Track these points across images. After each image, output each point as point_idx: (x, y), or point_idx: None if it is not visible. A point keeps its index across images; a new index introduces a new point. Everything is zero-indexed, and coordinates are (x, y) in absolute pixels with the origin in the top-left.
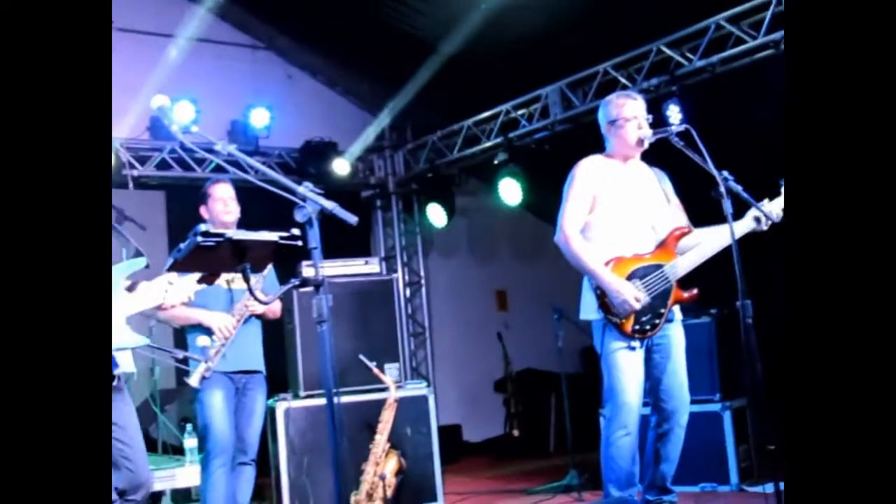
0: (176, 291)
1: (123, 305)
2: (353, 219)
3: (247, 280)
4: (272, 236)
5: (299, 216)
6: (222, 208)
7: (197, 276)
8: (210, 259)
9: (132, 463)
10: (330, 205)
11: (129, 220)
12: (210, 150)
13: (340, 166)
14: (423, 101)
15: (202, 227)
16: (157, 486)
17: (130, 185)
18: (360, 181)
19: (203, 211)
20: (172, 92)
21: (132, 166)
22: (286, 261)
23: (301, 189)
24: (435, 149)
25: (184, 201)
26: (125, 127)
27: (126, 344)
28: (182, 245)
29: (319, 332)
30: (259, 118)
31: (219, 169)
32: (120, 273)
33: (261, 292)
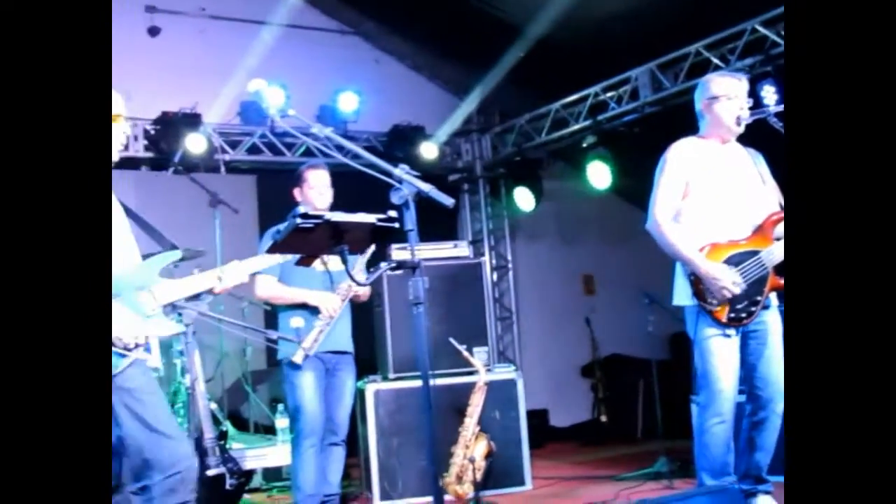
0: (231, 276)
1: (162, 294)
2: (449, 201)
3: (344, 262)
4: (370, 218)
5: (395, 198)
6: (317, 195)
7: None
8: (308, 241)
9: (181, 434)
10: (427, 187)
11: (222, 203)
12: (307, 133)
13: (428, 150)
14: (510, 85)
15: (301, 210)
16: (248, 465)
17: (222, 169)
18: (447, 165)
19: (296, 193)
20: (262, 77)
21: (224, 151)
22: (382, 242)
23: (398, 171)
24: (522, 132)
25: (274, 185)
26: (217, 112)
27: (163, 332)
28: (281, 227)
29: (415, 313)
30: (347, 102)
31: (308, 153)
32: (156, 265)
33: (361, 272)
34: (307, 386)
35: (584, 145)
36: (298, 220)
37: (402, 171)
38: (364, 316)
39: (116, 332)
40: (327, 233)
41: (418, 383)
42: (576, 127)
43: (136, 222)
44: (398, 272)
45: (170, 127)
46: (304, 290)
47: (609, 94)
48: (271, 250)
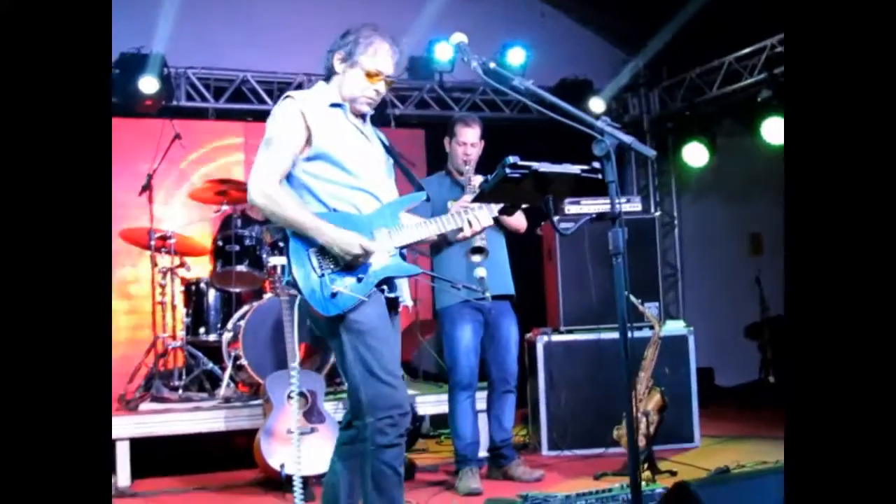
0: (481, 219)
1: (400, 237)
2: (651, 152)
3: (549, 213)
4: (574, 169)
5: (597, 150)
6: (462, 153)
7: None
8: (514, 191)
9: (399, 382)
10: (628, 139)
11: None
12: (512, 88)
13: (595, 105)
14: (679, 37)
15: (510, 160)
16: (419, 411)
17: (392, 123)
18: (614, 119)
19: (446, 143)
20: (432, 34)
21: (394, 105)
22: (586, 193)
23: (599, 123)
24: (692, 86)
25: (442, 139)
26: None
27: (401, 272)
28: (489, 177)
29: (615, 264)
30: (515, 57)
31: (474, 108)
32: (400, 206)
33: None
34: (463, 340)
35: (760, 100)
36: (507, 170)
37: (603, 123)
38: (531, 269)
39: (350, 259)
40: (532, 183)
41: (589, 336)
42: (749, 81)
43: (394, 160)
44: (568, 228)
45: None
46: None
47: None
48: (478, 199)
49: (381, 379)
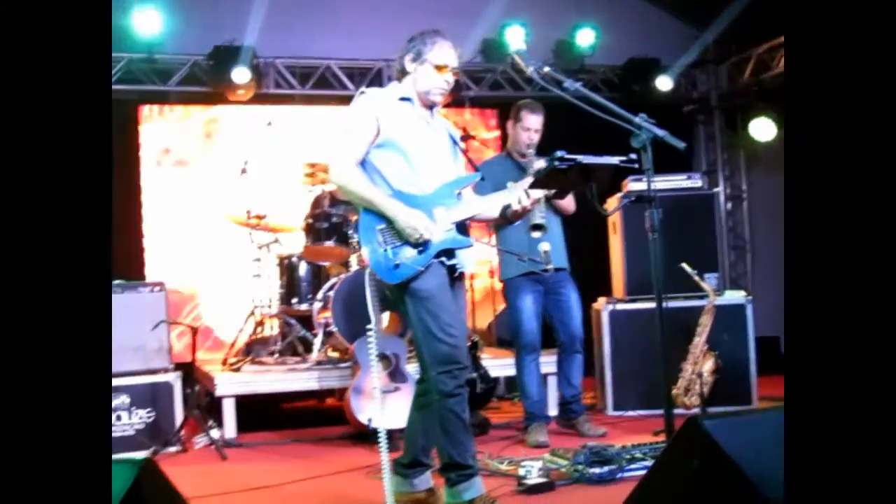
0: (534, 195)
1: (456, 212)
2: (681, 144)
3: (592, 198)
4: (613, 160)
5: (635, 142)
6: (526, 137)
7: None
8: (562, 179)
9: (457, 341)
10: (661, 132)
11: (470, 137)
12: (562, 89)
13: (663, 83)
14: (747, 13)
15: (559, 153)
16: (493, 374)
17: (467, 104)
18: (682, 96)
19: (509, 126)
20: (503, 16)
21: (468, 87)
22: (622, 178)
23: (637, 119)
24: (760, 62)
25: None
26: (463, 51)
27: (456, 245)
28: (541, 168)
29: (651, 240)
30: (584, 38)
31: (545, 89)
32: (457, 185)
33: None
34: (526, 307)
35: None
36: (556, 162)
37: (640, 119)
38: (596, 242)
39: (410, 234)
40: (577, 173)
41: (650, 304)
42: None
43: (456, 146)
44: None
45: None
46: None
47: None
48: (533, 186)
49: (440, 338)
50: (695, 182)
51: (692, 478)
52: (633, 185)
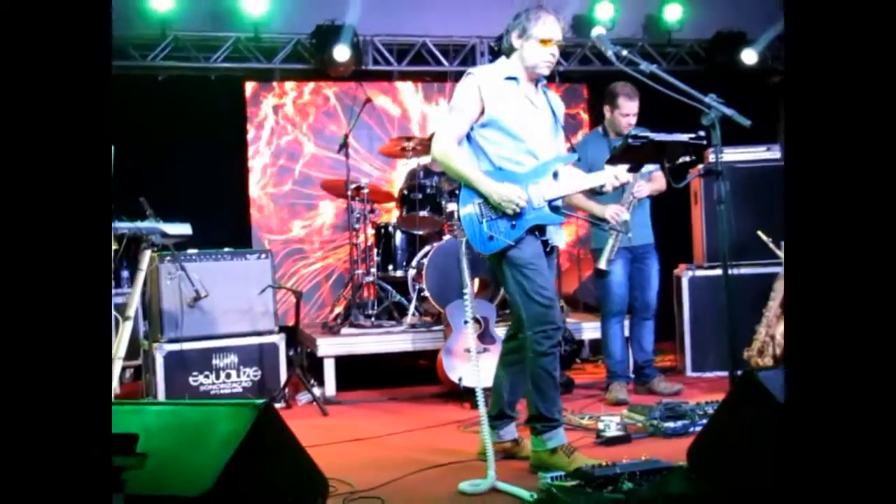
0: (621, 176)
1: (550, 189)
2: (746, 122)
3: (664, 171)
4: (683, 137)
5: (705, 121)
6: (625, 123)
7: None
8: (637, 154)
9: (551, 303)
10: (730, 111)
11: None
12: (636, 69)
13: (748, 56)
14: None
15: (633, 131)
16: (578, 337)
17: (557, 79)
18: (768, 69)
19: (606, 110)
20: None
21: (559, 63)
22: (695, 153)
23: (707, 99)
24: None
25: (603, 92)
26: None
27: (548, 221)
28: (616, 144)
29: (718, 211)
30: (673, 12)
31: (631, 63)
32: (554, 164)
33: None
34: (615, 275)
35: None
36: (630, 140)
37: (710, 99)
38: (682, 212)
39: (506, 207)
40: (651, 149)
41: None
42: None
43: (558, 122)
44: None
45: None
46: (594, 204)
47: None
48: (610, 161)
49: (536, 301)
50: (773, 153)
51: (748, 424)
52: (713, 157)
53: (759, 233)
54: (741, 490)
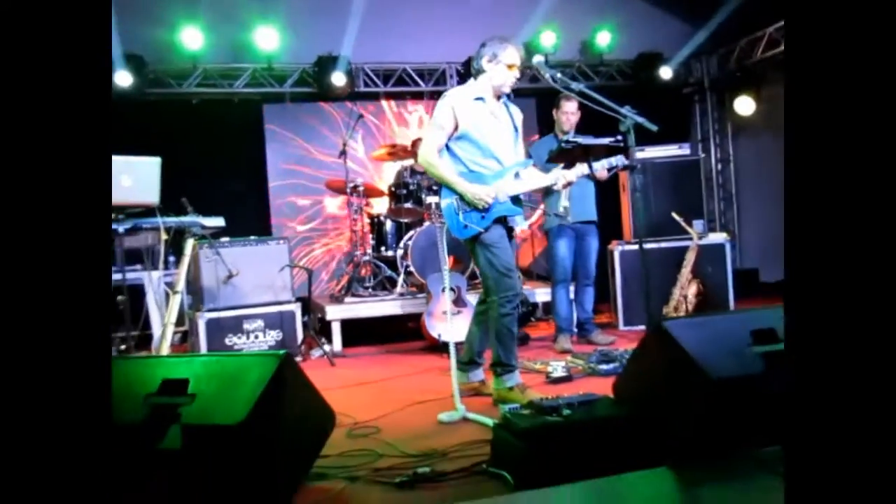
0: (565, 176)
1: (511, 186)
2: (654, 127)
3: (590, 167)
4: (605, 141)
5: (622, 127)
6: (566, 119)
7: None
8: (569, 155)
9: (512, 274)
10: (641, 119)
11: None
12: (566, 86)
13: (665, 72)
14: (734, 13)
15: (565, 137)
16: (532, 300)
17: (511, 94)
18: (681, 81)
19: (554, 113)
20: (537, 23)
21: None
22: (616, 153)
23: (623, 110)
24: (743, 52)
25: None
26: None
27: (510, 212)
28: (552, 148)
29: (635, 197)
30: (603, 38)
31: (573, 79)
32: (514, 168)
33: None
34: (561, 248)
35: None
36: (563, 144)
37: (626, 110)
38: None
39: (480, 199)
40: (580, 151)
41: (650, 245)
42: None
43: (517, 132)
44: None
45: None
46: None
47: None
48: (549, 160)
49: (501, 272)
50: (684, 150)
51: (657, 362)
52: (637, 154)
53: (674, 214)
54: (651, 414)
